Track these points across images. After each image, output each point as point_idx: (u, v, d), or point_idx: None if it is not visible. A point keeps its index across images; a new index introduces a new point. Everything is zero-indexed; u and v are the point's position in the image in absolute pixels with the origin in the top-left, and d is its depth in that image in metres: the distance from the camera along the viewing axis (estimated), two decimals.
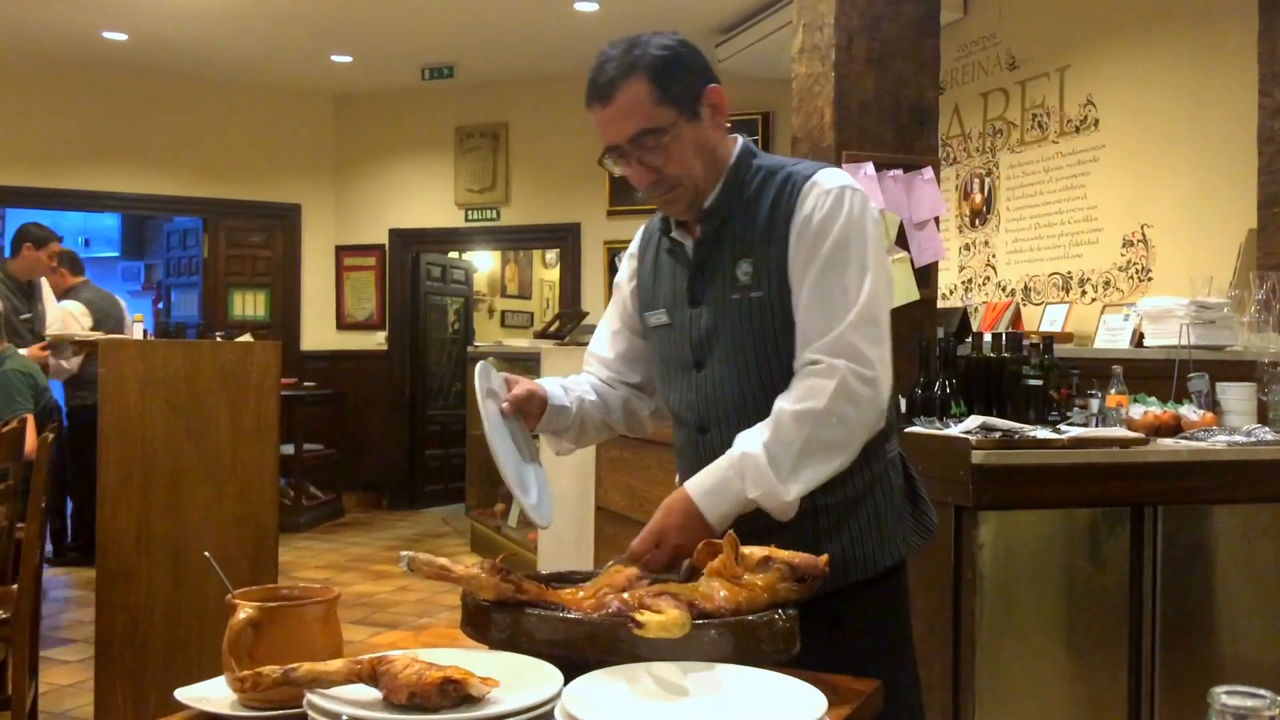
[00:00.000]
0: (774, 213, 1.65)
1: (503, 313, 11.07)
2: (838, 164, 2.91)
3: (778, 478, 1.53)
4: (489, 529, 6.64)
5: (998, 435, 2.52)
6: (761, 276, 1.64)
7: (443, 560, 1.32)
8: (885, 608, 1.73)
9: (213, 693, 1.21)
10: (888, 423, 1.67)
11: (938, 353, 2.81)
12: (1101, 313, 4.57)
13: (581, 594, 1.39)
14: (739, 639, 1.27)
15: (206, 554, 1.51)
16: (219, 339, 4.61)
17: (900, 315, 2.93)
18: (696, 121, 1.64)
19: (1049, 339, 2.98)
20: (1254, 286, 3.37)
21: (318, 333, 8.83)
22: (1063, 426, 2.70)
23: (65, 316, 5.85)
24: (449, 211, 8.62)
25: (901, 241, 2.99)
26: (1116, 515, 2.58)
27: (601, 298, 7.51)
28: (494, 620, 1.31)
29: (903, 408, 2.78)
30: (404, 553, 1.31)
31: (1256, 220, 4.00)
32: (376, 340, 8.82)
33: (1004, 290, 5.66)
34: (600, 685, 1.16)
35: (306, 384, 8.14)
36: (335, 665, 1.13)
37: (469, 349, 8.02)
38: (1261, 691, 0.87)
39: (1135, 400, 2.92)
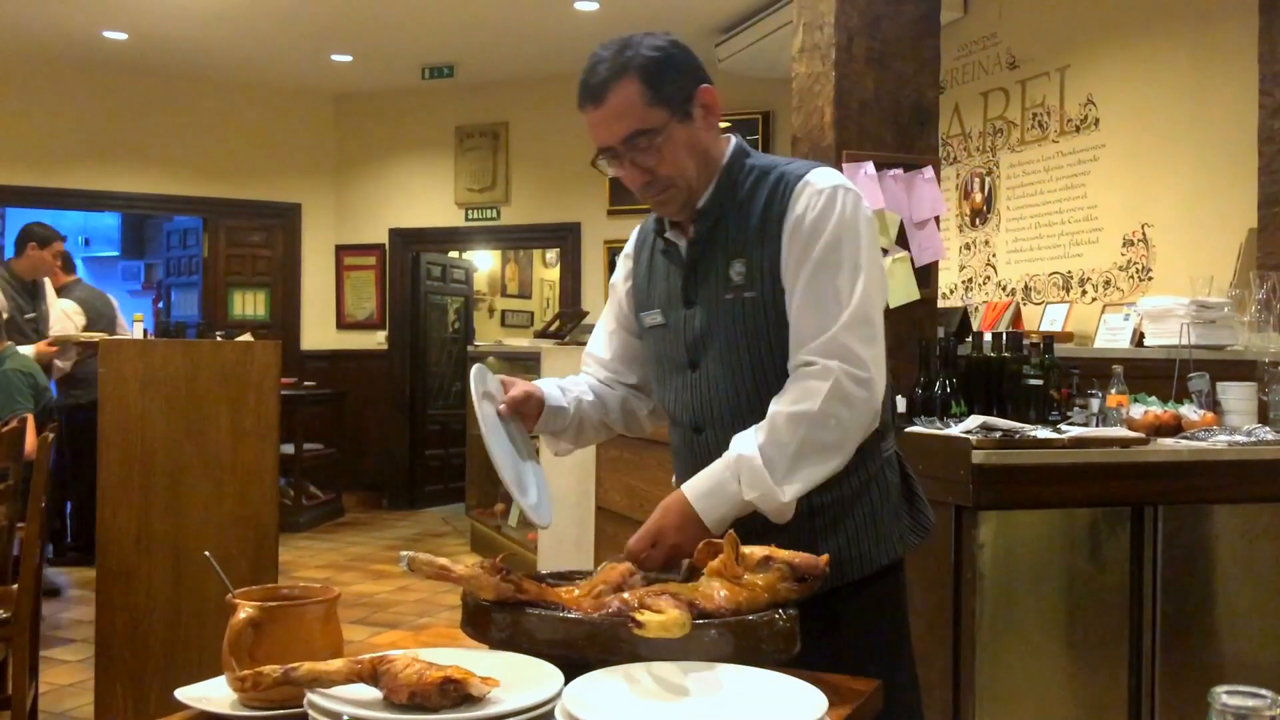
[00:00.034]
0: (767, 213, 1.65)
1: (503, 312, 11.07)
2: (838, 163, 2.91)
3: (773, 479, 1.53)
4: (489, 529, 6.64)
5: (998, 435, 2.52)
6: (755, 276, 1.65)
7: (443, 560, 1.32)
8: (882, 607, 1.73)
9: (213, 692, 1.21)
10: (883, 422, 1.67)
11: (938, 352, 2.81)
12: (1102, 312, 4.57)
13: (577, 592, 1.39)
14: (739, 639, 1.27)
15: (207, 553, 1.51)
16: (219, 338, 4.60)
17: (900, 315, 2.95)
18: (689, 122, 1.64)
19: (1049, 339, 2.98)
20: (1254, 286, 3.37)
21: (318, 332, 8.83)
22: (1063, 426, 2.70)
23: (59, 315, 5.86)
24: (449, 211, 8.62)
25: (902, 241, 2.99)
26: (1117, 515, 2.58)
27: (601, 297, 7.51)
28: (494, 620, 1.31)
29: (903, 407, 2.78)
30: (404, 552, 1.31)
31: (1257, 220, 4.00)
32: (377, 340, 8.82)
33: (1004, 290, 5.66)
34: (600, 685, 1.16)
35: (306, 383, 8.14)
36: (336, 665, 1.13)
37: (469, 348, 8.01)
38: (1262, 691, 0.87)
39: (1136, 400, 2.92)
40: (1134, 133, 4.87)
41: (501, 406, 1.70)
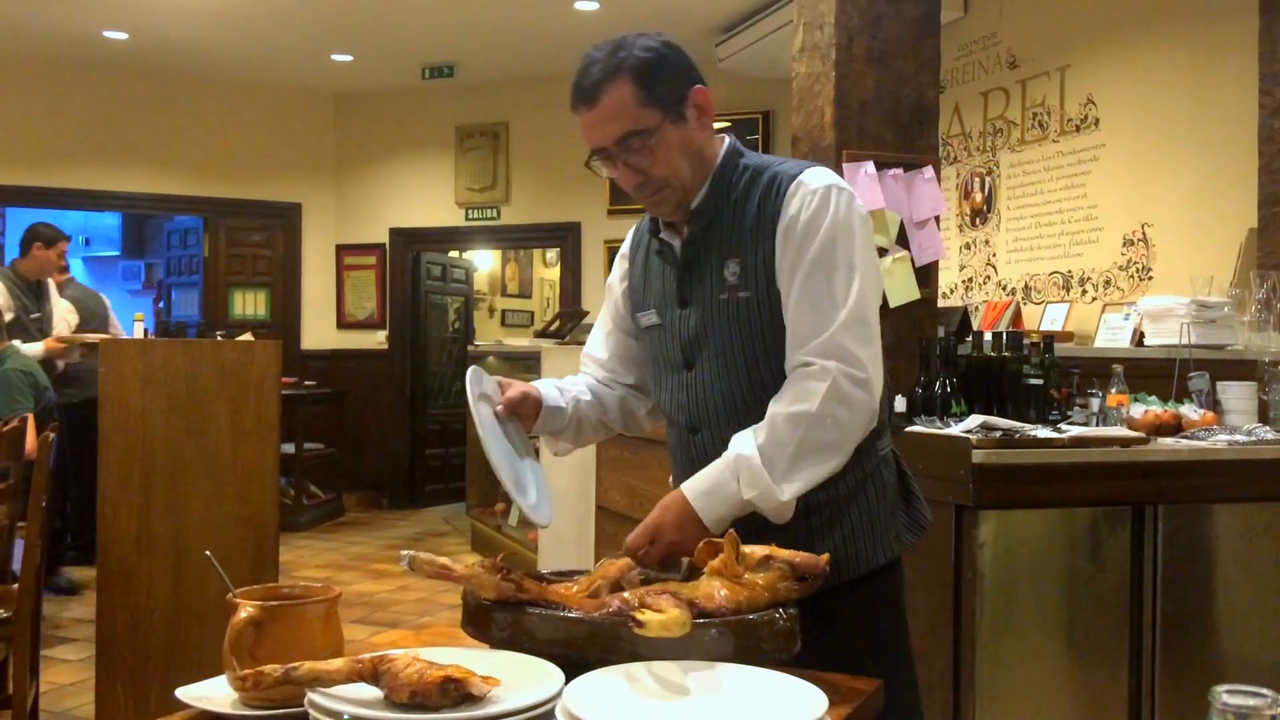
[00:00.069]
0: (761, 213, 1.65)
1: (503, 312, 11.07)
2: (838, 163, 2.91)
3: (772, 479, 1.54)
4: (489, 528, 6.64)
5: (998, 434, 2.52)
6: (749, 277, 1.65)
7: (443, 559, 1.32)
8: (879, 606, 1.73)
9: (214, 691, 1.21)
10: (879, 421, 1.67)
11: (938, 352, 2.81)
12: (1102, 312, 4.57)
13: (576, 589, 1.39)
14: (740, 638, 1.27)
15: (207, 553, 1.51)
16: (219, 338, 4.61)
17: (900, 314, 2.95)
18: (682, 123, 1.65)
19: (1049, 338, 2.98)
20: (1254, 285, 3.37)
21: (318, 332, 8.83)
22: (1063, 426, 2.70)
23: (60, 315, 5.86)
24: (449, 211, 8.62)
25: (902, 240, 2.99)
26: (1117, 514, 2.58)
27: (601, 297, 7.49)
28: (495, 619, 1.31)
29: (903, 407, 2.78)
30: (405, 552, 1.31)
31: (1257, 219, 4.00)
32: (377, 339, 8.82)
33: (1004, 289, 5.66)
34: (601, 684, 1.16)
35: (307, 383, 8.14)
36: (336, 664, 1.13)
37: (469, 348, 8.02)
38: (1263, 691, 0.87)
39: (1136, 399, 2.92)
40: (1134, 132, 4.87)
41: (499, 407, 1.70)
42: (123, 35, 7.18)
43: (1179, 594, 2.60)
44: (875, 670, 1.42)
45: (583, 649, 1.25)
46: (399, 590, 5.79)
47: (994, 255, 5.75)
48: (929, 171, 3.01)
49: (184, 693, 1.21)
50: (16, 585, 3.03)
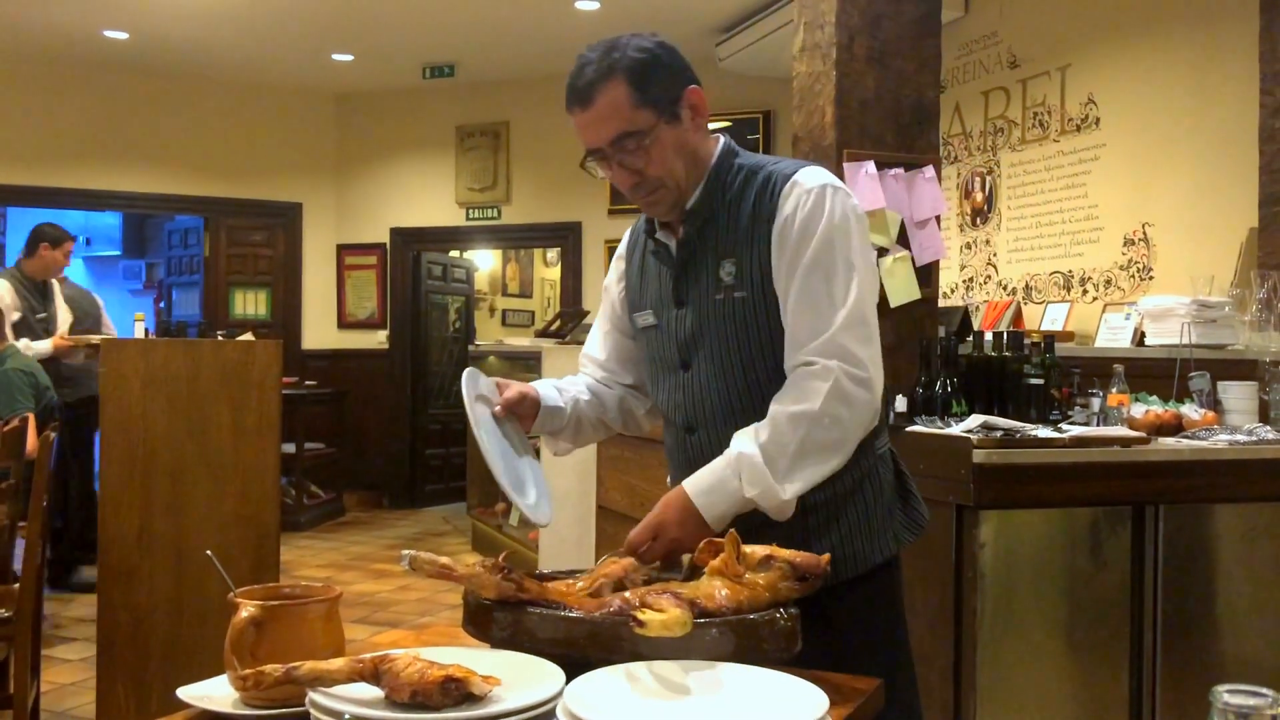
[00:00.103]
0: (756, 213, 1.65)
1: (504, 311, 11.07)
2: (839, 163, 2.91)
3: (774, 478, 1.54)
4: (490, 528, 6.64)
5: (999, 434, 2.52)
6: (745, 277, 1.65)
7: (444, 559, 1.32)
8: (876, 605, 1.73)
9: (215, 691, 1.21)
10: (878, 419, 1.67)
11: (939, 352, 2.81)
12: (1103, 311, 4.57)
13: (579, 586, 1.39)
14: (740, 638, 1.27)
15: (208, 552, 1.51)
16: (220, 338, 4.61)
17: (901, 314, 2.95)
18: (676, 123, 1.65)
19: (1050, 338, 2.98)
20: (1255, 285, 3.36)
21: (319, 332, 8.83)
22: (1064, 425, 2.70)
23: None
24: (450, 210, 8.62)
25: (902, 240, 2.99)
26: (1118, 514, 2.58)
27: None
28: (495, 619, 1.31)
29: (903, 407, 2.78)
30: (405, 552, 1.31)
31: (1258, 219, 4.00)
32: (377, 339, 8.82)
33: (1005, 289, 5.66)
34: (602, 684, 1.16)
35: (308, 383, 8.14)
36: (337, 664, 1.13)
37: (470, 348, 8.01)
38: (1264, 690, 0.87)
39: (1136, 399, 2.92)
40: (1135, 132, 4.86)
41: (497, 408, 1.70)
42: (123, 35, 7.18)
43: (1179, 594, 2.60)
44: (874, 670, 1.42)
45: (583, 649, 1.25)
46: (400, 590, 5.79)
47: (994, 255, 5.75)
48: (929, 171, 3.01)
49: (185, 692, 1.21)
50: (18, 585, 3.03)
